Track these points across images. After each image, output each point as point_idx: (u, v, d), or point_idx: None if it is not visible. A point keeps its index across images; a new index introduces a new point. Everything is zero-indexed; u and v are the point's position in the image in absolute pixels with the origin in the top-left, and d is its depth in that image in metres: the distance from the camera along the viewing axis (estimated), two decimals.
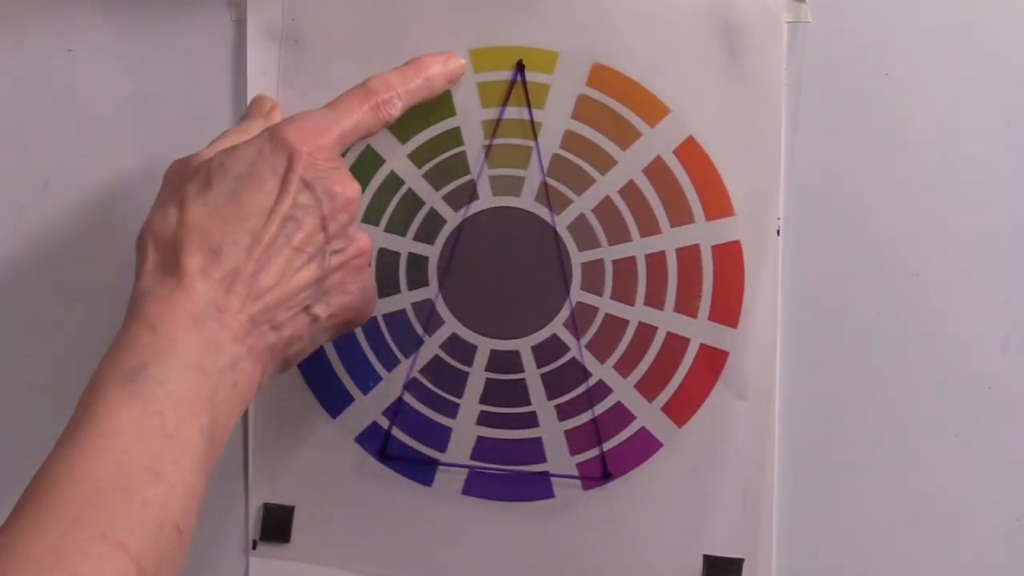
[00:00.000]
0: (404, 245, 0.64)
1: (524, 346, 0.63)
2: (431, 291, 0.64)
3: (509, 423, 0.64)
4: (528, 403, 0.63)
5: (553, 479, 0.64)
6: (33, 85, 0.66)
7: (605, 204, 0.62)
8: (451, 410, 0.64)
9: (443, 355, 0.64)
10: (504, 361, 0.63)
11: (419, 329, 0.64)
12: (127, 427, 0.48)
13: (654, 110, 0.61)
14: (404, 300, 0.64)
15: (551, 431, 0.63)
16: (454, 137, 0.63)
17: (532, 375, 0.63)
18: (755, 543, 0.62)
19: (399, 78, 0.60)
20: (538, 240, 0.63)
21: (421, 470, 0.65)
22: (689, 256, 0.62)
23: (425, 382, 0.64)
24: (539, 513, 0.64)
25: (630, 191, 0.62)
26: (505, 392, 0.63)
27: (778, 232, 0.61)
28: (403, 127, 0.62)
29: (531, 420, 0.63)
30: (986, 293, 0.61)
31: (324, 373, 0.65)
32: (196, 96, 0.65)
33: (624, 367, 0.62)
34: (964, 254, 0.61)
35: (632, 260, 0.62)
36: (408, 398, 0.64)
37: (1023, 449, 0.61)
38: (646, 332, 0.62)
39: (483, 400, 0.64)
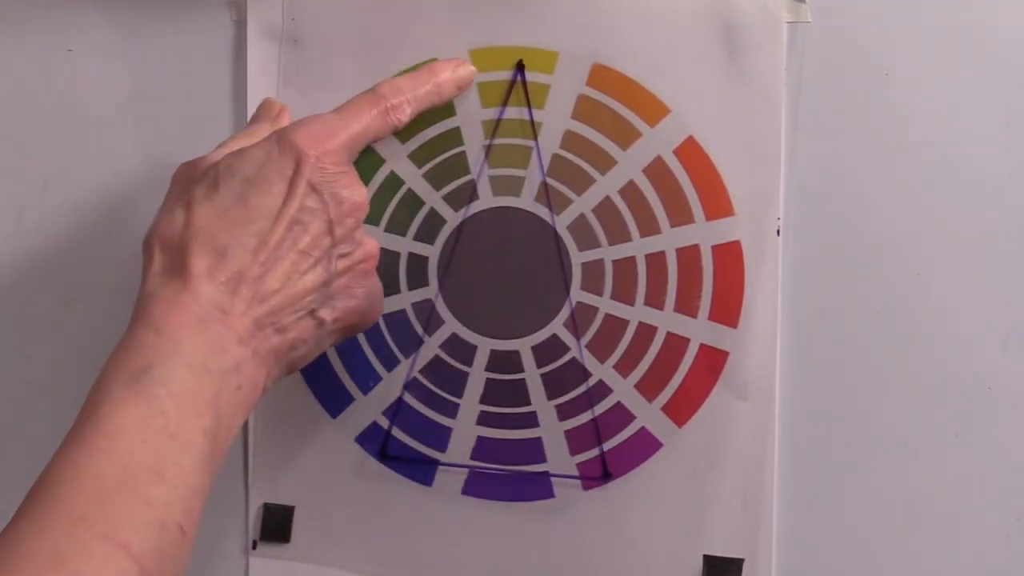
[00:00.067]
0: (404, 245, 0.64)
1: (524, 346, 0.63)
2: (431, 291, 0.64)
3: (509, 423, 0.64)
4: (528, 403, 0.63)
5: (553, 479, 0.64)
6: (33, 85, 0.66)
7: (605, 204, 0.62)
8: (451, 410, 0.64)
9: (443, 355, 0.64)
10: (504, 361, 0.63)
11: (419, 329, 0.64)
12: (131, 427, 0.48)
13: (654, 110, 0.61)
14: (404, 300, 0.64)
15: (551, 431, 0.63)
16: (454, 137, 0.63)
17: (532, 375, 0.63)
18: (755, 543, 0.62)
19: (409, 83, 0.60)
20: (538, 240, 0.63)
21: (421, 470, 0.65)
22: (689, 256, 0.62)
23: (425, 382, 0.64)
24: (539, 513, 0.64)
25: (630, 191, 0.62)
26: (505, 392, 0.63)
27: (778, 232, 0.61)
28: (403, 127, 0.62)
29: (531, 420, 0.63)
30: (986, 293, 0.61)
31: (324, 373, 0.65)
32: (196, 96, 0.65)
33: (624, 367, 0.62)
34: (964, 254, 0.61)
35: (632, 260, 0.62)
36: (408, 398, 0.64)
37: (1023, 449, 0.61)
38: (646, 332, 0.62)
39: (483, 400, 0.64)
